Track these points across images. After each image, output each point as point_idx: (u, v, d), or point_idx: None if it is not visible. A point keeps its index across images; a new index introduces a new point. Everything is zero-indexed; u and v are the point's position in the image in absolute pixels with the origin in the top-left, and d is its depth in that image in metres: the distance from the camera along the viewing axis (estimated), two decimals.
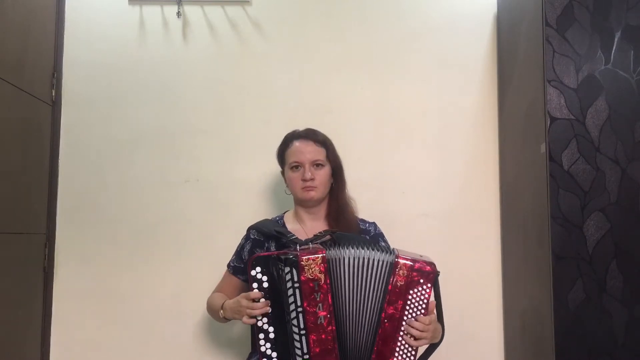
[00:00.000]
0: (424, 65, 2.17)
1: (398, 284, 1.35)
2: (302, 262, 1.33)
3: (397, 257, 1.36)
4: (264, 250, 1.65)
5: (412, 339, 1.37)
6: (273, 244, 1.65)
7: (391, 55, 2.17)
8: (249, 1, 2.17)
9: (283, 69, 2.16)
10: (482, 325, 2.08)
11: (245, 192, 2.10)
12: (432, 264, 1.37)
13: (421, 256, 1.40)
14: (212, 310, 1.67)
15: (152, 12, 2.17)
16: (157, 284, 2.08)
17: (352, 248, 1.40)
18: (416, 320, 1.37)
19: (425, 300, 1.37)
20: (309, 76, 2.16)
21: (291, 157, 1.68)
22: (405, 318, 1.36)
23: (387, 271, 1.37)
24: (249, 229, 1.71)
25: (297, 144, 1.69)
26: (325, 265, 1.34)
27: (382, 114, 2.15)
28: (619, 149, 1.65)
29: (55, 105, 2.11)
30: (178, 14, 2.16)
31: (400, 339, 1.36)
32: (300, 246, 1.45)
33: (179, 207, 2.11)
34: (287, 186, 1.72)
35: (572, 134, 1.66)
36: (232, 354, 2.06)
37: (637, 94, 1.66)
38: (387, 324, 1.35)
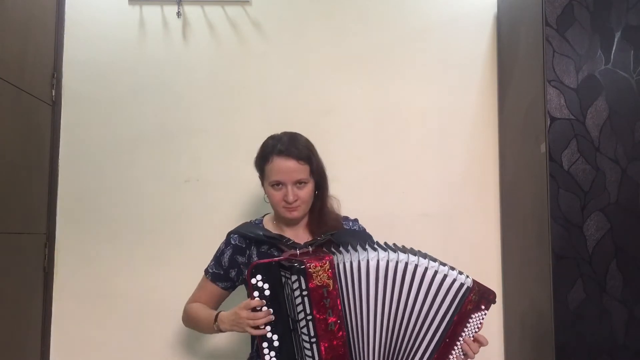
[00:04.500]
0: (423, 65, 2.17)
1: (468, 307, 1.35)
2: (309, 270, 1.28)
3: (474, 281, 1.36)
4: (245, 257, 1.60)
5: (462, 355, 1.38)
6: (254, 251, 1.59)
7: (391, 55, 2.17)
8: (249, 1, 2.17)
9: (283, 69, 2.16)
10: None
11: (245, 192, 2.10)
12: (494, 293, 1.39)
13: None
14: (196, 321, 1.60)
15: (152, 12, 2.17)
16: (157, 284, 2.08)
17: (383, 251, 1.35)
18: (474, 341, 1.38)
19: (480, 324, 1.38)
20: (308, 76, 2.16)
21: (272, 175, 1.54)
22: (461, 338, 1.37)
23: (461, 292, 1.34)
24: (230, 234, 1.63)
25: (278, 161, 1.53)
26: (333, 270, 1.30)
27: (382, 114, 2.15)
28: (619, 149, 1.65)
29: (55, 105, 2.11)
30: (178, 14, 2.16)
31: (451, 357, 1.37)
32: (299, 250, 1.41)
33: (179, 207, 2.11)
34: (266, 194, 1.61)
35: (572, 134, 1.66)
36: (232, 354, 2.06)
37: (637, 94, 1.66)
38: (447, 341, 1.36)
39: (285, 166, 1.53)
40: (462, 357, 1.38)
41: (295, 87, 2.15)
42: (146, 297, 2.08)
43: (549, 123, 1.66)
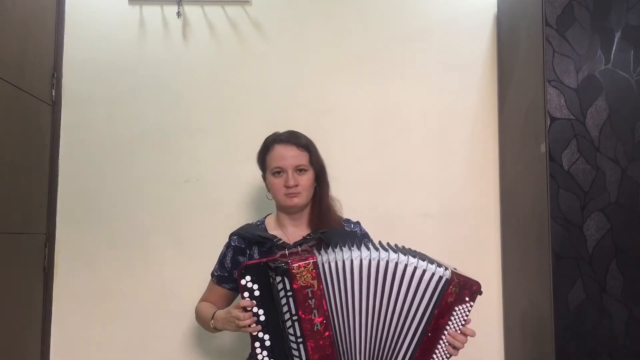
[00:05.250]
0: (424, 65, 2.17)
1: (449, 300, 1.35)
2: (293, 270, 1.30)
3: (453, 273, 1.36)
4: (246, 257, 1.61)
5: (451, 347, 1.38)
6: (255, 250, 1.61)
7: (391, 55, 2.17)
8: (249, 1, 2.17)
9: (283, 69, 2.16)
10: (482, 325, 2.07)
11: (246, 192, 2.10)
12: (478, 283, 1.38)
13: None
14: (202, 319, 1.63)
15: (152, 12, 2.17)
16: (157, 284, 2.08)
17: (366, 250, 1.36)
18: (460, 334, 1.38)
19: (466, 316, 1.38)
20: (308, 76, 2.16)
21: (273, 162, 1.61)
22: (445, 331, 1.37)
23: (440, 285, 1.35)
24: (231, 236, 1.67)
25: (279, 148, 1.62)
26: (317, 270, 1.31)
27: (382, 114, 2.15)
28: (619, 149, 1.65)
29: (55, 105, 2.11)
30: (178, 14, 2.16)
31: (437, 351, 1.37)
32: (288, 250, 1.41)
33: (179, 207, 2.11)
34: (268, 191, 1.66)
35: (572, 134, 1.66)
36: (232, 354, 2.06)
37: (637, 94, 1.66)
38: (430, 335, 1.36)
39: (286, 152, 1.61)
40: (451, 349, 1.38)
41: (295, 87, 2.15)
42: (146, 297, 2.08)
43: (549, 123, 1.66)
